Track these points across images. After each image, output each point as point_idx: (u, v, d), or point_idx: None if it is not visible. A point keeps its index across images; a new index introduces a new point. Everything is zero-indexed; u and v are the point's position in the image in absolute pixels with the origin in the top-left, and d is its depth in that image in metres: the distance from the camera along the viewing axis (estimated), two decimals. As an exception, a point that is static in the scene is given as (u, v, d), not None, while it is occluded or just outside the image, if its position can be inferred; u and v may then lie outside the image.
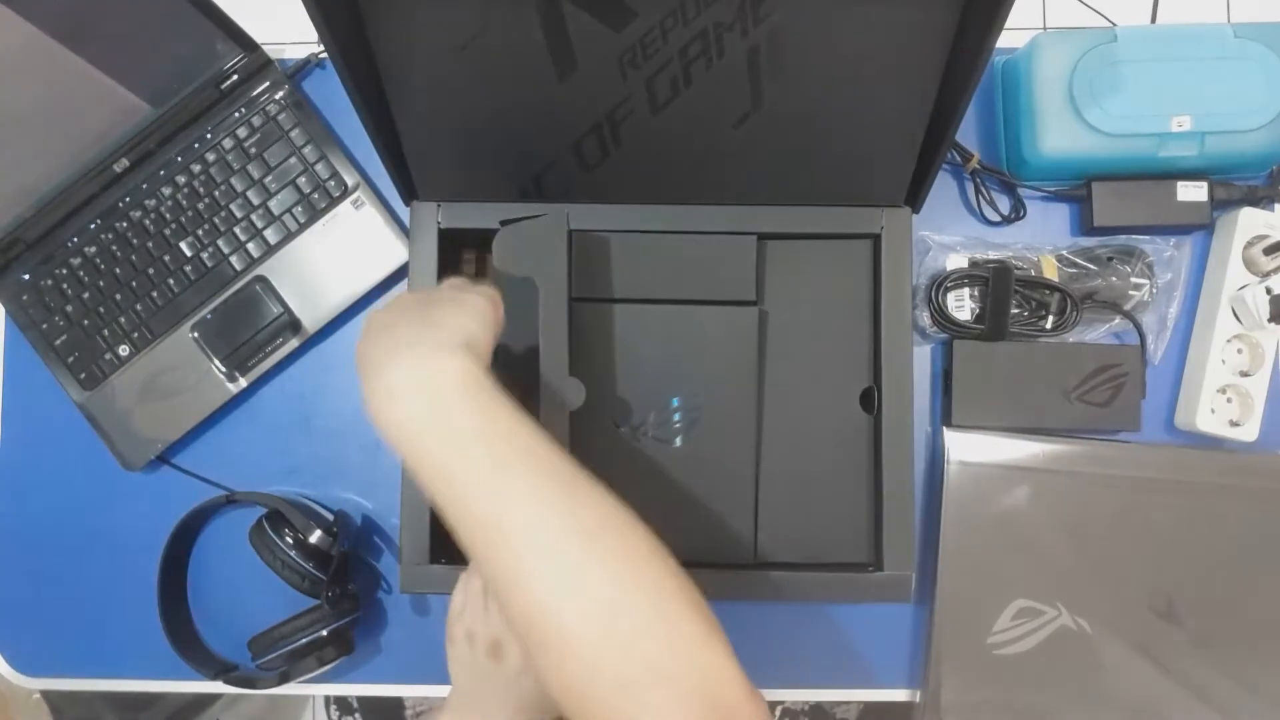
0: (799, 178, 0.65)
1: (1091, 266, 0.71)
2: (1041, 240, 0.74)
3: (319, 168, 0.74)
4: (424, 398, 0.46)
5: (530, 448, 0.46)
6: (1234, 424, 0.70)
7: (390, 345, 0.49)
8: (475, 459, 0.45)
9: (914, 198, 0.65)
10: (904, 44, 0.55)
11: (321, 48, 0.75)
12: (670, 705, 0.39)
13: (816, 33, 0.54)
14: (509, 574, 0.43)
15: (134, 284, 0.74)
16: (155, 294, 0.74)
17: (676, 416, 0.66)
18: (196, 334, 0.74)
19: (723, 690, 0.41)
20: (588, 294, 0.67)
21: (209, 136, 0.75)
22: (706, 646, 0.42)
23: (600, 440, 0.66)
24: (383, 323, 0.51)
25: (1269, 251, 0.70)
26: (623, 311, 0.67)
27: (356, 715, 1.03)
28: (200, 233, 0.74)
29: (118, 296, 0.74)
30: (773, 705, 0.93)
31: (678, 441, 0.66)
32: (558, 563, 0.42)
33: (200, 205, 0.74)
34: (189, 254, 0.74)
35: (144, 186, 0.74)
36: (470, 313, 0.51)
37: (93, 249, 0.74)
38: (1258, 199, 0.72)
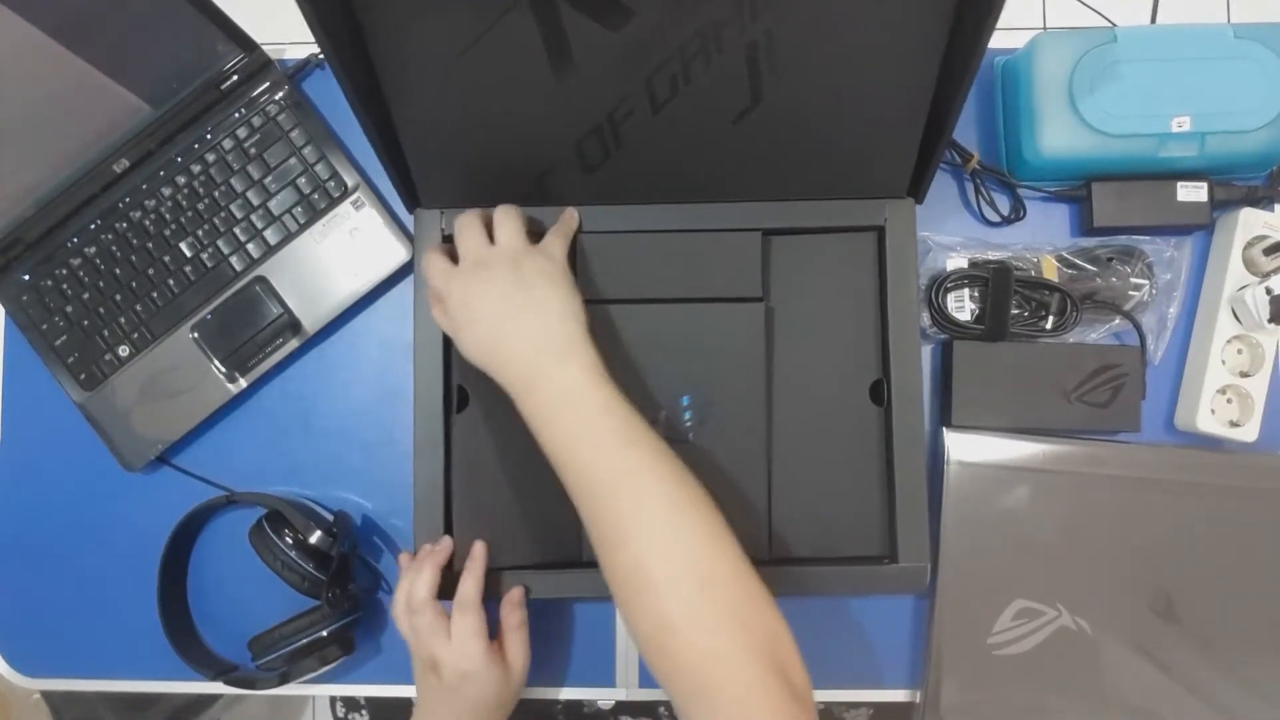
0: (801, 172, 0.65)
1: (1091, 267, 0.71)
2: (1041, 240, 0.74)
3: (319, 168, 0.74)
4: (563, 369, 0.56)
5: (645, 428, 0.55)
6: (1234, 424, 0.71)
7: (505, 320, 0.58)
8: (606, 431, 0.54)
9: (916, 189, 0.65)
10: (901, 32, 0.55)
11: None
12: (746, 649, 0.47)
13: (814, 26, 0.54)
14: (620, 530, 0.51)
15: (134, 284, 0.74)
16: (155, 294, 0.74)
17: (687, 415, 0.66)
18: (196, 334, 0.74)
19: (783, 647, 0.49)
20: (594, 296, 0.67)
21: (209, 137, 0.75)
22: (771, 610, 0.50)
23: None
24: (475, 296, 0.59)
25: (1269, 252, 0.70)
26: (629, 312, 0.67)
27: (364, 712, 1.03)
28: (200, 233, 0.74)
29: (118, 297, 0.74)
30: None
31: (689, 438, 0.66)
32: (667, 524, 0.51)
33: (200, 206, 0.74)
34: (189, 254, 0.74)
35: (144, 187, 0.74)
36: (559, 280, 0.60)
37: (93, 249, 0.74)
38: (1258, 199, 0.72)
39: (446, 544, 0.65)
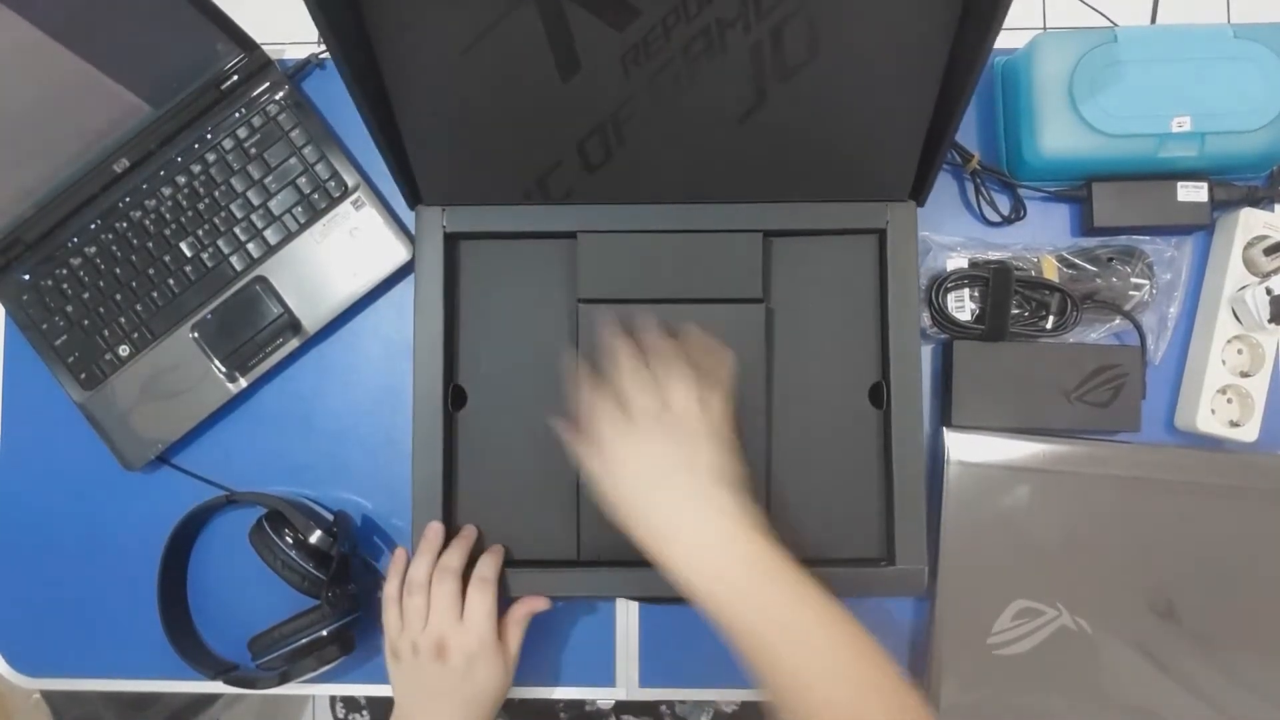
0: (804, 174, 0.65)
1: (1091, 267, 0.71)
2: (1041, 240, 0.74)
3: (319, 168, 0.74)
4: (719, 539, 0.55)
5: (805, 583, 0.54)
6: (1234, 424, 0.71)
7: (657, 480, 0.57)
8: (772, 594, 0.53)
9: (918, 191, 0.65)
10: (906, 35, 0.55)
11: (322, 48, 0.75)
12: None
13: (818, 27, 0.54)
14: (792, 680, 0.52)
15: (134, 284, 0.74)
16: (155, 294, 0.74)
17: None
18: (196, 334, 0.74)
19: None
20: (594, 295, 0.67)
21: (209, 137, 0.75)
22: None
23: None
24: (633, 454, 0.57)
25: (1269, 252, 0.70)
26: (629, 312, 0.67)
27: (364, 713, 1.03)
28: (200, 233, 0.74)
29: (118, 297, 0.74)
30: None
31: None
32: (834, 676, 0.51)
33: (200, 205, 0.74)
34: (189, 254, 0.74)
35: (144, 187, 0.74)
36: (719, 441, 0.58)
37: (93, 249, 0.74)
38: (1258, 199, 0.72)
39: (470, 530, 0.66)
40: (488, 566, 0.64)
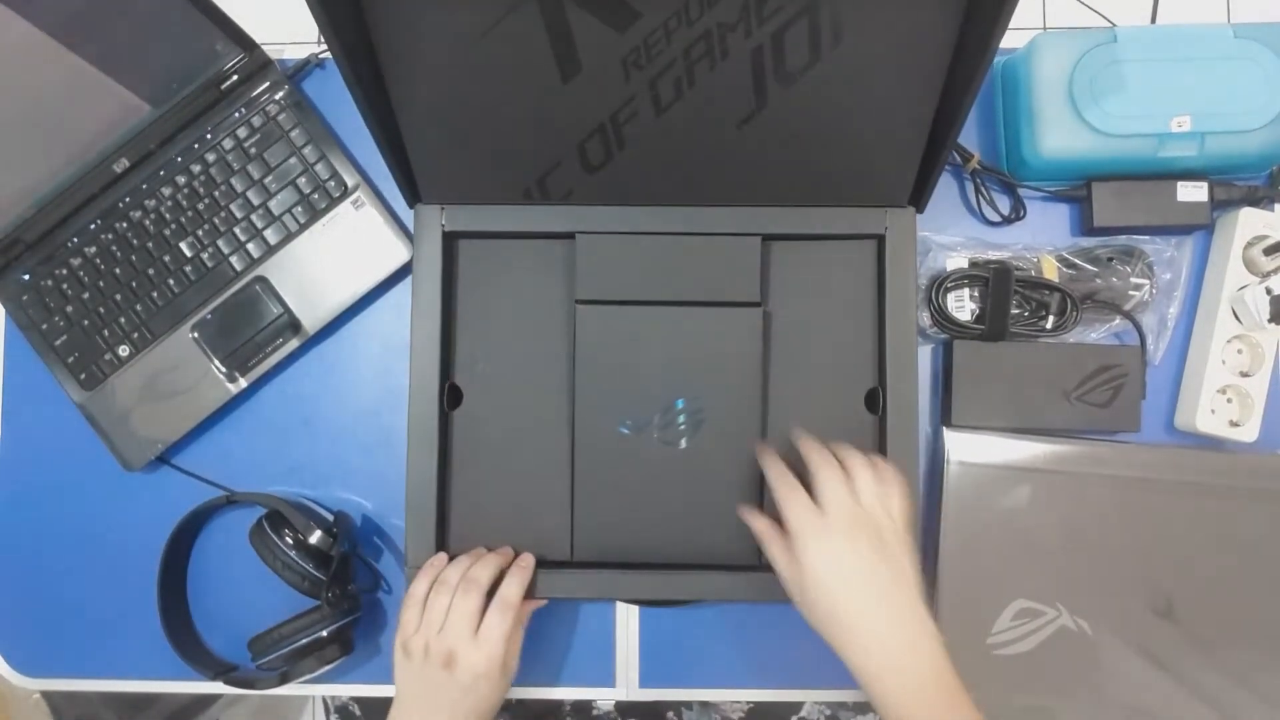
0: (803, 178, 0.65)
1: (1091, 267, 0.71)
2: (1041, 240, 0.74)
3: (319, 168, 0.74)
4: (930, 664, 0.56)
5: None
6: (1234, 424, 0.71)
7: (865, 589, 0.56)
8: None
9: (918, 198, 0.65)
10: (907, 43, 0.55)
11: (322, 48, 0.75)
12: None
13: (820, 32, 0.54)
14: None
15: (134, 284, 0.74)
16: (155, 294, 0.74)
17: (681, 419, 0.66)
18: (196, 334, 0.74)
19: None
20: (592, 296, 0.67)
21: (209, 137, 0.75)
22: None
23: (605, 443, 0.66)
24: (858, 568, 0.56)
25: (1269, 252, 0.70)
26: (627, 313, 0.67)
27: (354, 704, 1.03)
28: (200, 233, 0.74)
29: (118, 297, 0.74)
30: (789, 710, 0.93)
31: (683, 444, 0.66)
32: None
33: (200, 205, 0.74)
34: (189, 254, 0.74)
35: (144, 186, 0.74)
36: (913, 549, 0.58)
37: (93, 249, 0.74)
38: (1258, 199, 0.72)
39: (509, 551, 0.66)
40: (512, 588, 0.63)
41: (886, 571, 0.56)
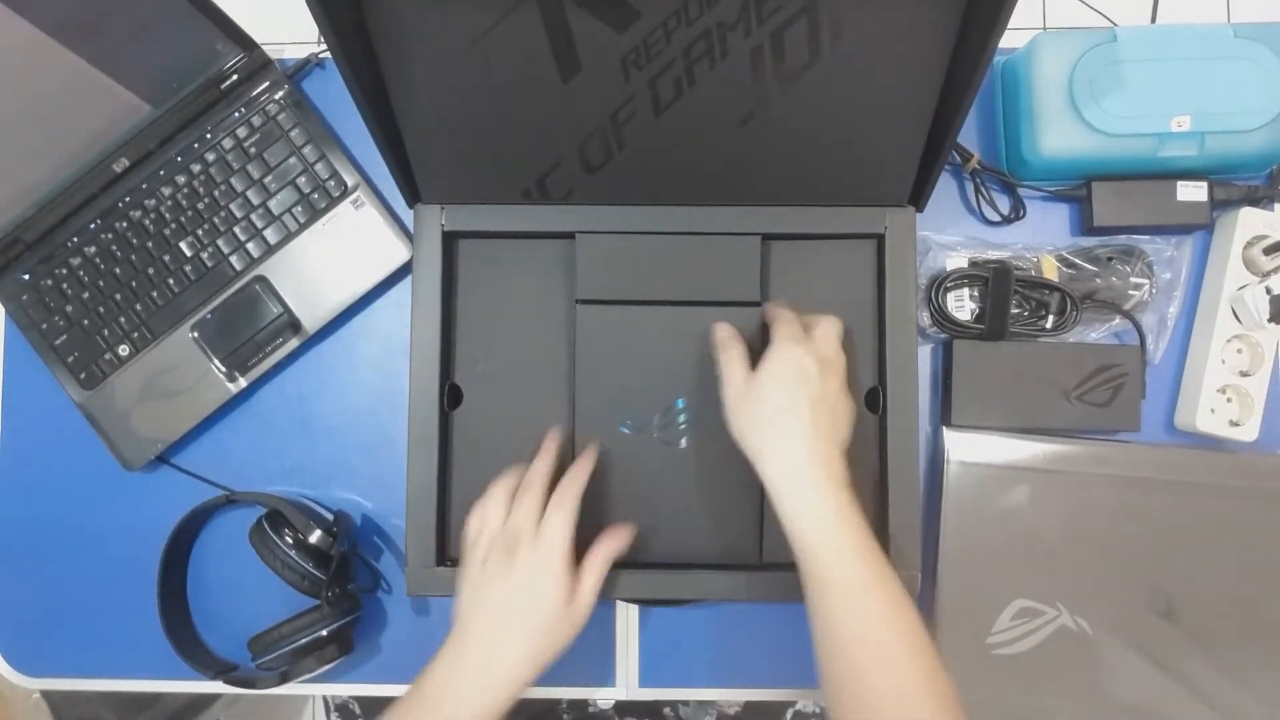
0: (803, 178, 0.65)
1: (1091, 266, 0.71)
2: (1041, 240, 0.74)
3: (319, 167, 0.74)
4: (846, 498, 0.56)
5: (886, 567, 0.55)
6: (1234, 424, 0.71)
7: (825, 428, 0.57)
8: (862, 571, 0.54)
9: (918, 198, 0.65)
10: (907, 43, 0.55)
11: (322, 48, 0.75)
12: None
13: (819, 32, 0.54)
14: (863, 652, 0.53)
15: (134, 284, 0.74)
16: (155, 294, 0.74)
17: (681, 418, 0.67)
18: (196, 334, 0.74)
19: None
20: (591, 296, 0.67)
21: (209, 136, 0.75)
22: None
23: (606, 442, 0.66)
24: (819, 400, 0.57)
25: (1269, 251, 0.70)
26: (626, 313, 0.67)
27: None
28: (200, 232, 0.74)
29: (117, 296, 0.74)
30: (783, 707, 0.93)
31: (683, 443, 0.66)
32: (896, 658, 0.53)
33: (200, 205, 0.74)
34: (189, 254, 0.74)
35: (144, 186, 0.74)
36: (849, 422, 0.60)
37: (93, 249, 0.74)
38: (1258, 199, 0.72)
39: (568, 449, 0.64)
40: (569, 488, 0.60)
41: (843, 414, 0.59)
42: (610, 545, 0.60)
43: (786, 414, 0.57)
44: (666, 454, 0.66)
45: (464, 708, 0.55)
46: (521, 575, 0.57)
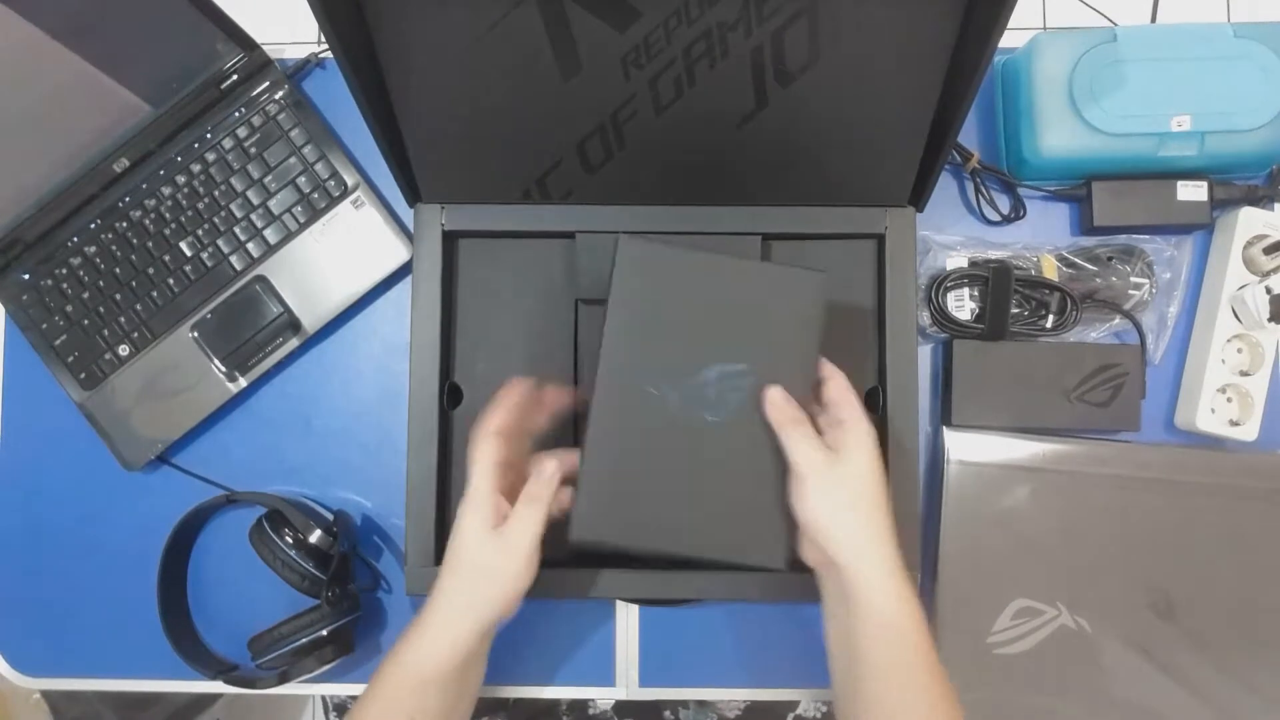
0: (803, 178, 0.65)
1: (1091, 266, 0.71)
2: (1041, 240, 0.74)
3: (319, 167, 0.74)
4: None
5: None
6: (1234, 424, 0.71)
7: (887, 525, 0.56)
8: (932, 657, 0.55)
9: (918, 197, 0.65)
10: (907, 43, 0.55)
11: (322, 47, 0.75)
12: None
13: (820, 32, 0.54)
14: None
15: (134, 284, 0.74)
16: (155, 294, 0.74)
17: (733, 382, 0.58)
18: (196, 334, 0.74)
19: None
20: (592, 296, 0.67)
21: (209, 136, 0.75)
22: None
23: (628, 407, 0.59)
24: (882, 502, 0.55)
25: (1269, 251, 0.70)
26: None
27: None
28: (200, 232, 0.74)
29: (117, 296, 0.74)
30: (786, 708, 0.93)
31: (720, 413, 0.58)
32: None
33: (200, 205, 0.74)
34: (189, 254, 0.74)
35: (144, 186, 0.74)
36: None
37: (93, 249, 0.74)
38: (1258, 199, 0.72)
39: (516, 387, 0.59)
40: (488, 417, 0.57)
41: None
42: (537, 487, 0.56)
43: (879, 509, 0.55)
44: (695, 429, 0.58)
45: (406, 658, 0.55)
46: (453, 527, 0.56)
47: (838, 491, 0.55)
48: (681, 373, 0.58)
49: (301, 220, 0.74)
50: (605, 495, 0.57)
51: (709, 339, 0.58)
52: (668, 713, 0.94)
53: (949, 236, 0.73)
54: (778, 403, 0.56)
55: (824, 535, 0.54)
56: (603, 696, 0.86)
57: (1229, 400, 0.71)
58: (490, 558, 0.55)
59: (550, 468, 0.56)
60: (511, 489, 0.57)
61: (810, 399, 0.58)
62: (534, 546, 0.55)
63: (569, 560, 0.67)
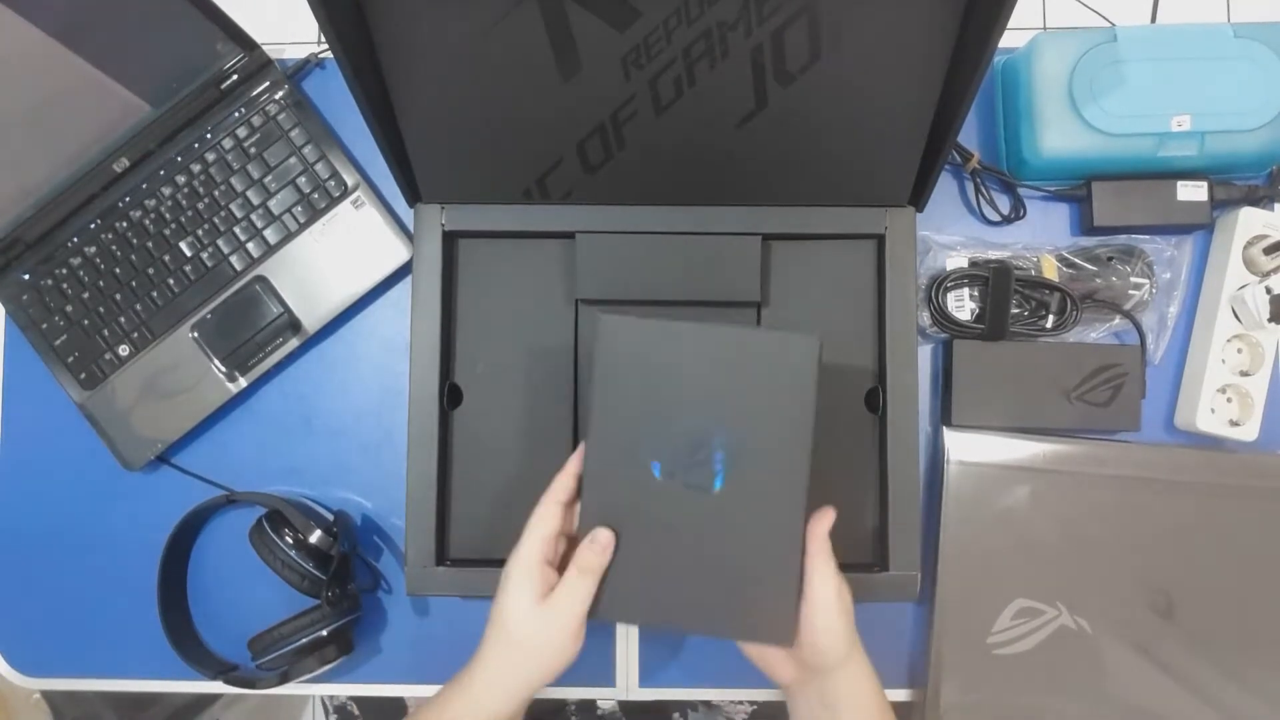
0: (803, 178, 0.65)
1: (1091, 266, 0.71)
2: (1041, 240, 0.74)
3: (319, 167, 0.74)
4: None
5: None
6: (1234, 424, 0.71)
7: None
8: None
9: (918, 197, 0.65)
10: (907, 43, 0.55)
11: (322, 48, 0.75)
12: None
13: (820, 32, 0.54)
14: None
15: (134, 284, 0.74)
16: (155, 294, 0.74)
17: (718, 456, 0.56)
18: (196, 334, 0.74)
19: None
20: (591, 296, 0.67)
21: (209, 136, 0.75)
22: None
23: (623, 486, 0.57)
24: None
25: (1269, 251, 0.70)
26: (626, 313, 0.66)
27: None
28: (200, 232, 0.74)
29: (118, 296, 0.74)
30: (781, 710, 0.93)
31: (715, 485, 0.56)
32: None
33: (200, 205, 0.74)
34: (189, 254, 0.74)
35: (144, 186, 0.74)
36: None
37: (93, 249, 0.74)
38: (1258, 199, 0.72)
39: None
40: (545, 497, 0.57)
41: None
42: (588, 558, 0.55)
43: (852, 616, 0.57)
44: (693, 503, 0.55)
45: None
46: (499, 590, 0.56)
47: (848, 622, 0.57)
48: (674, 448, 0.55)
49: (301, 220, 0.74)
50: (613, 575, 0.56)
51: (701, 411, 0.55)
52: (676, 714, 0.94)
53: (949, 236, 0.73)
54: (819, 536, 0.56)
55: (824, 653, 0.56)
56: (603, 697, 0.86)
57: (1229, 400, 0.71)
58: (537, 632, 0.54)
59: (605, 538, 0.55)
60: (562, 559, 0.57)
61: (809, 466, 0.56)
62: (582, 618, 0.54)
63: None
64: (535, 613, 0.54)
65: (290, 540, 0.69)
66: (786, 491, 0.55)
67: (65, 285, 0.74)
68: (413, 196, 0.67)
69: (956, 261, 0.72)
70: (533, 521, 0.56)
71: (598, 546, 0.55)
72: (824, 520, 0.56)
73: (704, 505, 0.55)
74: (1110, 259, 0.71)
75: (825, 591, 0.55)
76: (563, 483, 0.57)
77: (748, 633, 0.57)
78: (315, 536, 0.69)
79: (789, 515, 0.55)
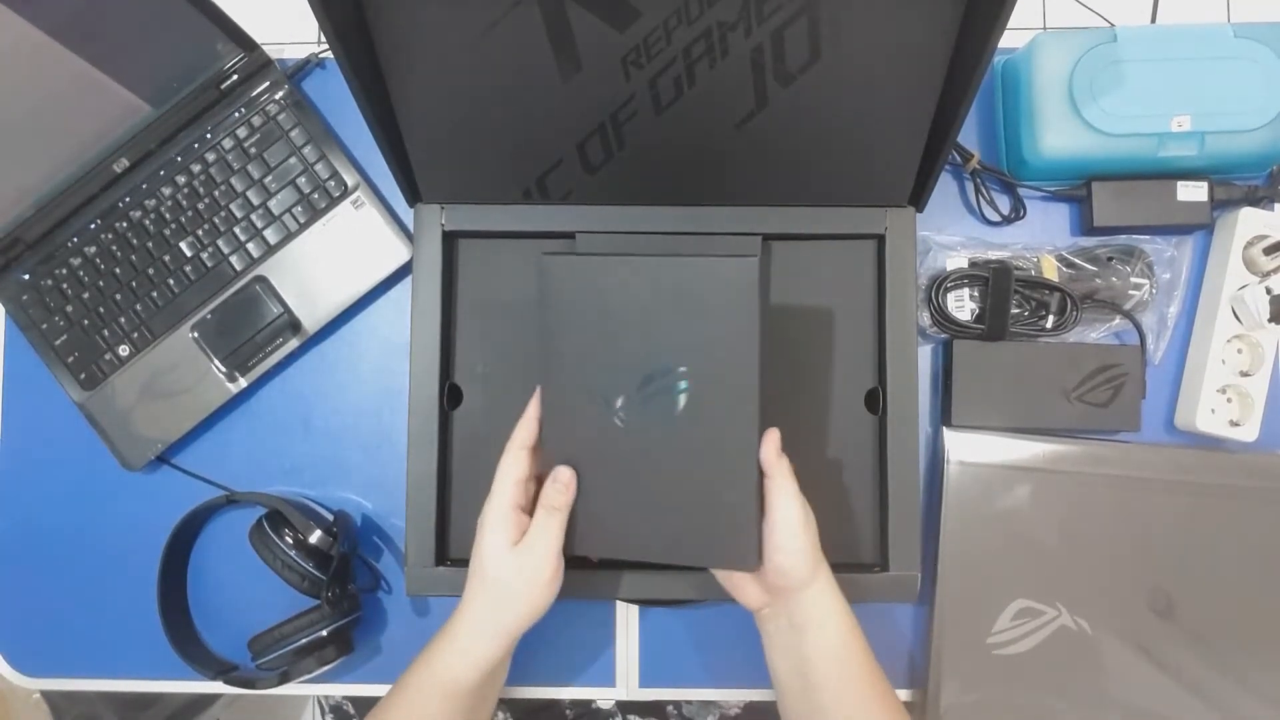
0: (803, 178, 0.65)
1: (1091, 266, 0.71)
2: (1041, 240, 0.74)
3: (319, 168, 0.74)
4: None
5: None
6: (1234, 424, 0.71)
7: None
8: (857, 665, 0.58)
9: (918, 198, 0.65)
10: (907, 42, 0.55)
11: (322, 47, 0.75)
12: None
13: (820, 32, 0.54)
14: None
15: (134, 284, 0.74)
16: (155, 294, 0.74)
17: (681, 384, 0.57)
18: (196, 334, 0.74)
19: None
20: None
21: (209, 136, 0.75)
22: None
23: (587, 425, 0.59)
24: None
25: (1269, 251, 0.70)
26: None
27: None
28: (200, 233, 0.74)
29: (118, 296, 0.74)
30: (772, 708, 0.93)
31: (676, 411, 0.57)
32: None
33: (200, 205, 0.74)
34: (189, 254, 0.74)
35: (144, 186, 0.74)
36: None
37: (93, 249, 0.74)
38: (1258, 199, 0.72)
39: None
40: (512, 438, 0.58)
41: None
42: (556, 495, 0.57)
43: (817, 536, 0.58)
44: (652, 434, 0.57)
45: (435, 668, 0.57)
46: (475, 541, 0.57)
47: (813, 538, 0.57)
48: (627, 381, 0.56)
49: (301, 220, 0.74)
50: (582, 511, 0.58)
51: (650, 343, 0.56)
52: (671, 708, 0.94)
53: (949, 237, 0.73)
54: (771, 457, 0.57)
55: (788, 574, 0.56)
56: (602, 697, 0.86)
57: (1229, 400, 0.71)
58: (513, 574, 0.56)
59: (566, 475, 0.57)
60: (533, 501, 0.58)
61: (759, 389, 0.56)
62: (556, 555, 0.56)
63: (569, 562, 0.67)
64: (511, 556, 0.55)
65: (290, 540, 0.69)
66: (739, 416, 0.55)
67: (65, 285, 0.74)
68: (413, 196, 0.67)
69: (956, 262, 0.72)
70: (501, 469, 0.58)
71: (560, 485, 0.57)
72: (770, 441, 0.56)
73: (662, 436, 0.56)
74: (1110, 259, 0.71)
75: (785, 512, 0.56)
76: (526, 427, 0.59)
77: (713, 559, 0.59)
78: (315, 537, 0.69)
79: (743, 440, 0.56)
